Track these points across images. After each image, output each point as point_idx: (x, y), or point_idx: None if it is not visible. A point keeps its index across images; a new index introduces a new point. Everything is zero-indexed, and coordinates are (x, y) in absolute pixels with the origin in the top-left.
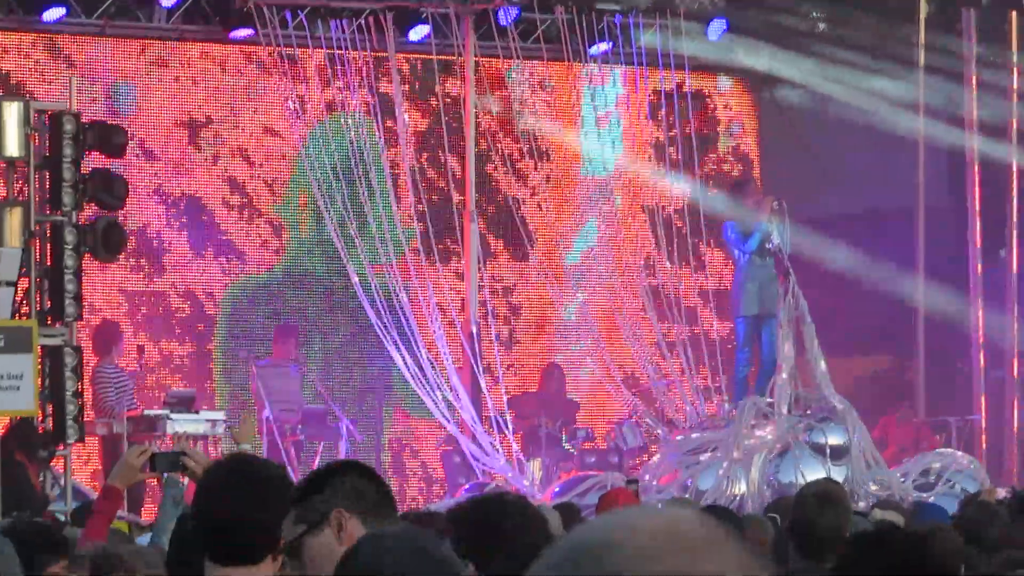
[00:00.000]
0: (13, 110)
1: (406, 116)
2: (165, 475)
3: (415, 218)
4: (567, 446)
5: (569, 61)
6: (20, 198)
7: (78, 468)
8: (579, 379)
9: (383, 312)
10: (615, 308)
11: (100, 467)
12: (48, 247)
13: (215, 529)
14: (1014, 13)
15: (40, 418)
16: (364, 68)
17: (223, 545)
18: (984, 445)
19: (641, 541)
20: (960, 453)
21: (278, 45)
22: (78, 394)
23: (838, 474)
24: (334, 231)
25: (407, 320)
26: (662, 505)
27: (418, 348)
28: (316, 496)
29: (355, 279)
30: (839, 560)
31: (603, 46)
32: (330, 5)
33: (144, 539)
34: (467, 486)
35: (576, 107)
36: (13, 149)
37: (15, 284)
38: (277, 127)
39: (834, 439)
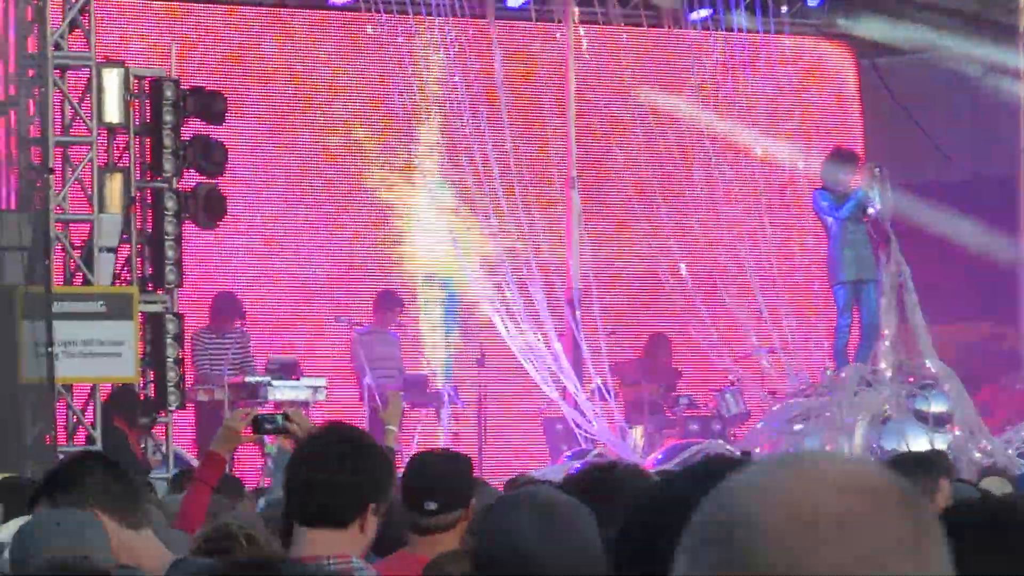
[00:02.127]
0: (113, 76)
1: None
2: (276, 446)
3: (516, 186)
4: (670, 413)
5: (669, 27)
6: (121, 164)
7: (179, 435)
8: (682, 347)
9: (484, 278)
10: (717, 275)
11: (195, 435)
12: (149, 214)
13: (304, 488)
14: None
15: (141, 385)
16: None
17: (310, 505)
18: None
19: (797, 525)
20: None
21: (378, 11)
22: (179, 361)
23: (941, 442)
24: (432, 197)
25: (510, 287)
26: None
27: (520, 315)
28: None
29: (455, 246)
30: None
31: (703, 12)
32: None
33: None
34: (568, 453)
35: (677, 72)
36: (114, 116)
37: (116, 250)
38: (379, 95)
39: (937, 406)
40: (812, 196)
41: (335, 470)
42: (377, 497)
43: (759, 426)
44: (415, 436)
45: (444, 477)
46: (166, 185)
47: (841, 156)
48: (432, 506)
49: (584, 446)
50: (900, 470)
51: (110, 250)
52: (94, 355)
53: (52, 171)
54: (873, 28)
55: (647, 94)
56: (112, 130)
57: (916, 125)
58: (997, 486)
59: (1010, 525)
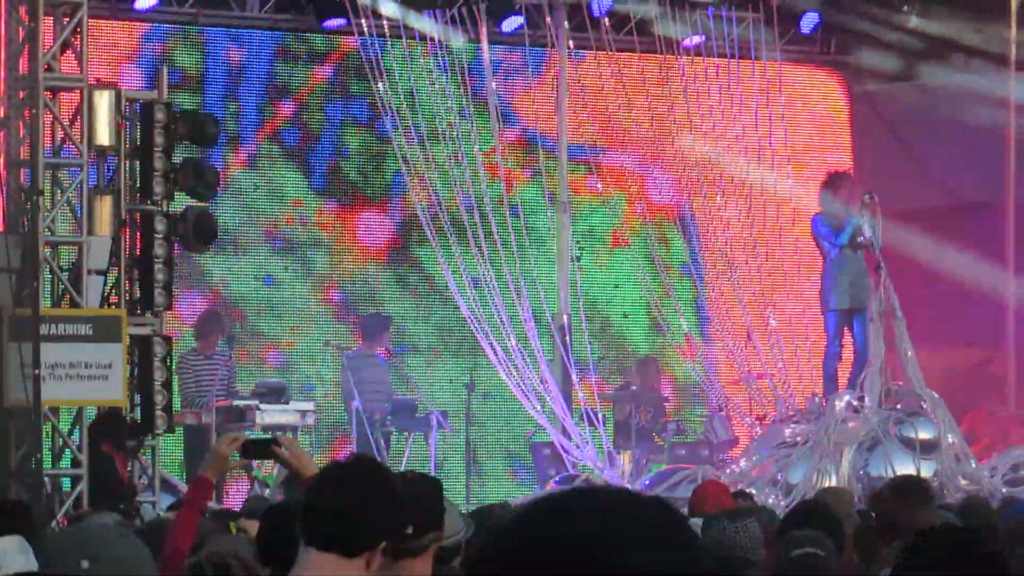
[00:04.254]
0: (104, 99)
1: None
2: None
3: (507, 210)
4: (658, 439)
5: (662, 53)
6: (111, 187)
7: (166, 459)
8: (670, 372)
9: (474, 304)
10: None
11: (182, 457)
12: (138, 236)
13: (328, 513)
14: None
15: (128, 408)
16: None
17: (330, 529)
18: None
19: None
20: None
21: (371, 35)
22: (167, 384)
23: (928, 468)
24: (426, 222)
25: (498, 312)
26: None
27: (509, 339)
28: None
29: (447, 271)
30: (895, 556)
31: (696, 39)
32: None
33: None
34: (557, 478)
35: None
36: (104, 138)
37: (105, 273)
38: (369, 117)
39: (924, 433)
40: (811, 222)
41: (364, 502)
42: (393, 537)
43: (746, 452)
44: (404, 462)
45: (416, 500)
46: (156, 208)
47: (836, 181)
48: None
49: (572, 471)
50: (885, 496)
51: (99, 273)
52: (81, 378)
53: (42, 193)
54: (864, 56)
55: (639, 119)
56: (103, 152)
57: (906, 152)
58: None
59: (976, 554)
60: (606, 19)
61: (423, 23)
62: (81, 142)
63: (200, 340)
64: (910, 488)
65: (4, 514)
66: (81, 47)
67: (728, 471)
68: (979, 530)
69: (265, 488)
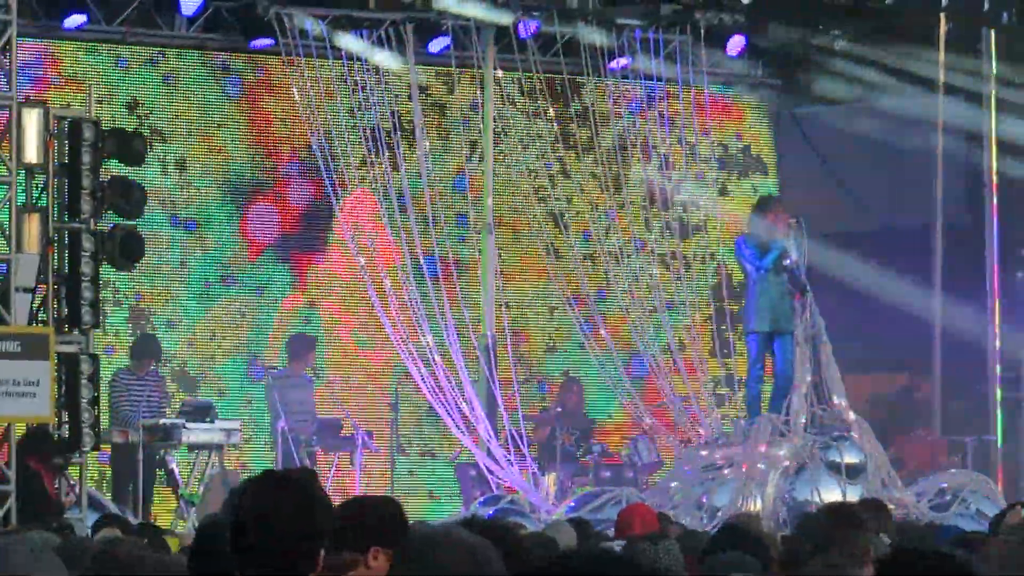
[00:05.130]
0: (33, 116)
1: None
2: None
3: (432, 229)
4: (582, 461)
5: (588, 75)
6: (39, 205)
7: (93, 476)
8: (594, 394)
9: (399, 324)
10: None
11: (110, 474)
12: (66, 254)
13: (259, 540)
14: None
15: (55, 425)
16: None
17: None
18: (1000, 465)
19: None
20: (975, 473)
21: (298, 55)
22: (94, 402)
23: (853, 493)
24: (351, 241)
25: (423, 332)
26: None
27: (434, 360)
28: None
29: (371, 292)
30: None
31: (622, 60)
32: (351, 15)
33: None
34: (481, 499)
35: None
36: (32, 155)
37: (33, 291)
38: (293, 138)
39: (850, 457)
40: (736, 243)
41: (290, 527)
42: (326, 545)
43: (669, 475)
44: (329, 481)
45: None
46: (83, 226)
47: (765, 204)
48: None
49: (496, 492)
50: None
51: (27, 290)
52: (9, 395)
53: None
54: (790, 79)
55: (564, 141)
56: (31, 170)
57: (833, 175)
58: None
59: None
60: (532, 41)
61: (350, 43)
62: (9, 159)
63: (134, 360)
64: (844, 512)
65: None
66: (10, 65)
67: (651, 494)
68: (954, 555)
69: (191, 507)
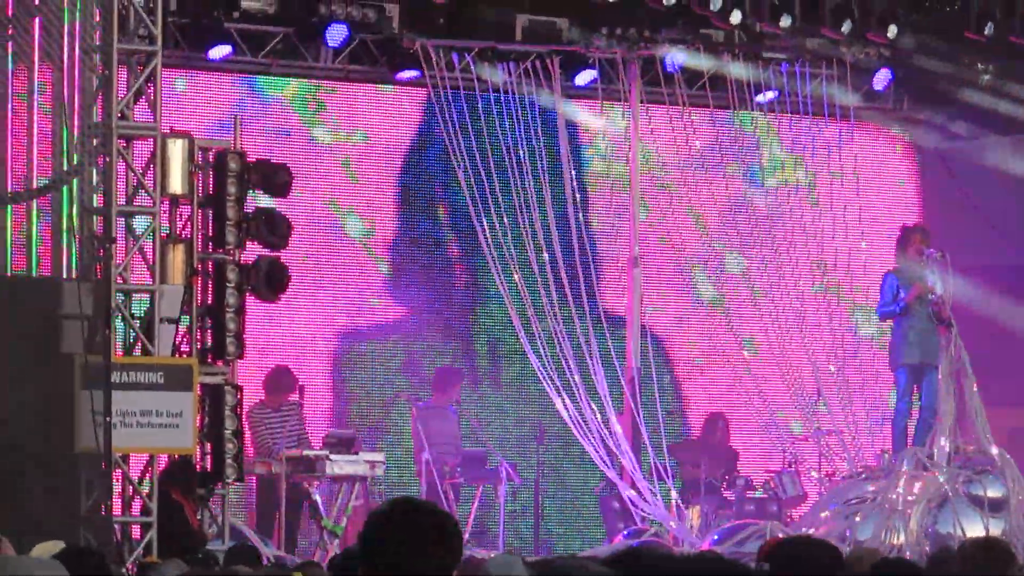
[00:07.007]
0: (178, 147)
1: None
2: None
3: (579, 263)
4: (726, 494)
5: (735, 108)
6: (183, 236)
7: (236, 507)
8: (739, 428)
9: (545, 358)
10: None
11: (255, 506)
12: (210, 285)
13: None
14: None
15: (198, 457)
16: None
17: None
18: None
19: None
20: None
21: (444, 87)
22: (237, 433)
23: (996, 527)
24: (497, 274)
25: (568, 365)
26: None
27: (579, 393)
28: None
29: (518, 324)
30: None
31: (769, 94)
32: (497, 48)
33: None
34: (625, 532)
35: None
36: (177, 186)
37: (177, 322)
38: (440, 171)
39: (993, 492)
40: (883, 278)
41: (413, 560)
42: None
43: (814, 508)
44: (472, 514)
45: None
46: (228, 257)
47: (906, 234)
48: None
49: (640, 525)
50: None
51: (171, 321)
52: (152, 426)
53: (114, 241)
54: (936, 112)
55: (711, 174)
56: (175, 201)
57: (977, 209)
58: None
59: None
60: (679, 74)
61: (496, 76)
62: (154, 190)
63: (269, 393)
64: (995, 549)
65: (75, 561)
66: (155, 96)
67: (796, 527)
68: None
69: (334, 538)
